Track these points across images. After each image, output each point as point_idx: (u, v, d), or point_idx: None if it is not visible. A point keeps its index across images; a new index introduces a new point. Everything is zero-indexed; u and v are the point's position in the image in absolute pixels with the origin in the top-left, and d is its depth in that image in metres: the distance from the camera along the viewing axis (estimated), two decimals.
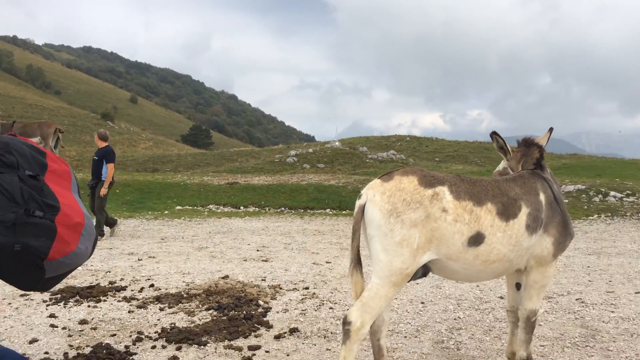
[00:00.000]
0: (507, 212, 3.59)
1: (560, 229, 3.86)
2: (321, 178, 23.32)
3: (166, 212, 16.82)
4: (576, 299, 6.76)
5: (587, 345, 5.04)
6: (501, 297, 6.75)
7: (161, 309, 6.05)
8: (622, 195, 19.97)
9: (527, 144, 4.31)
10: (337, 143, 37.34)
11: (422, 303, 6.47)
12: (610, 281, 7.89)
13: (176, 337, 5.05)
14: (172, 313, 5.92)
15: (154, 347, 4.84)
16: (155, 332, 5.23)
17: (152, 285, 7.15)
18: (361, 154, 33.22)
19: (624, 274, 8.47)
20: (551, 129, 4.55)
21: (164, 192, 19.78)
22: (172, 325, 5.46)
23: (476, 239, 3.47)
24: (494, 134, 4.24)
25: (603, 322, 5.80)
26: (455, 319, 5.87)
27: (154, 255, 9.56)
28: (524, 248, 3.69)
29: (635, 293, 7.11)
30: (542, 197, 3.83)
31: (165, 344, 4.91)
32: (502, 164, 4.47)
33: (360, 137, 46.16)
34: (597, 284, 7.71)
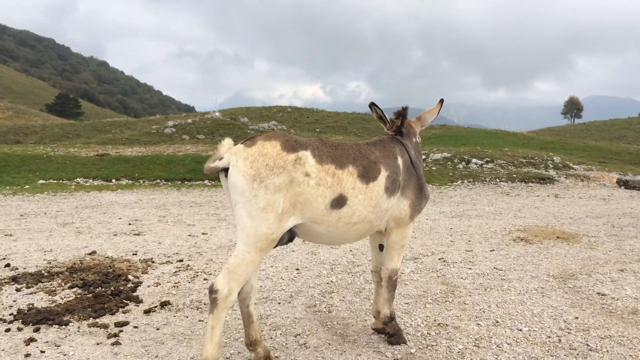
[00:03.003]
0: (367, 175, 3.72)
1: (416, 192, 4.09)
2: (199, 149, 22.77)
3: (27, 186, 15.47)
4: (439, 259, 7.28)
5: (446, 300, 5.46)
6: (371, 261, 7.09)
7: (18, 290, 5.58)
8: (482, 162, 21.80)
9: (397, 115, 4.49)
10: (217, 114, 36.56)
11: (297, 269, 6.61)
12: (469, 241, 8.60)
13: (34, 318, 4.70)
14: (31, 293, 5.49)
15: (8, 330, 4.46)
16: (10, 315, 4.82)
17: (7, 265, 6.56)
18: (242, 125, 32.87)
19: (482, 234, 9.28)
20: (441, 101, 4.67)
21: (24, 165, 18.15)
22: (30, 306, 5.07)
23: (339, 202, 3.57)
24: (372, 105, 4.36)
25: (461, 278, 6.31)
26: (327, 283, 6.07)
27: (10, 232, 8.77)
28: (383, 210, 3.86)
29: (490, 251, 7.82)
30: (400, 160, 4.02)
31: (21, 326, 4.56)
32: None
33: (242, 108, 45.64)
34: (458, 244, 8.36)
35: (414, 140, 4.42)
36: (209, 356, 3.39)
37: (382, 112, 4.41)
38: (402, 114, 4.45)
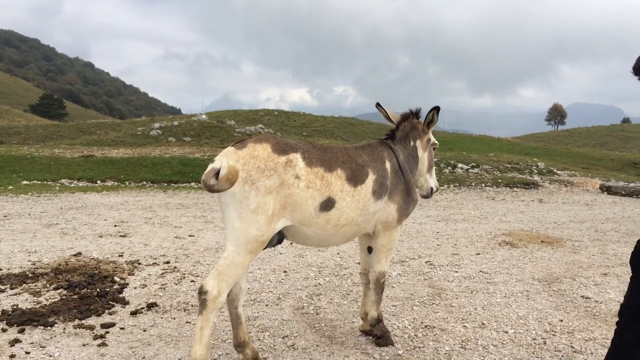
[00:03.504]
0: (355, 178, 3.76)
1: (404, 196, 4.12)
2: (186, 151, 22.65)
3: (10, 187, 15.27)
4: (426, 262, 7.33)
5: (433, 303, 5.50)
6: (359, 263, 7.11)
7: (2, 291, 5.51)
8: (468, 167, 21.97)
9: (401, 117, 4.53)
10: (204, 116, 36.38)
11: (285, 272, 6.60)
12: (455, 244, 8.67)
13: (19, 319, 4.64)
14: (15, 294, 5.43)
15: None
16: None
17: None
18: (229, 128, 32.74)
19: (468, 237, 9.35)
20: (435, 108, 4.34)
21: (7, 166, 17.92)
22: (15, 307, 5.01)
23: (327, 204, 3.59)
24: (378, 105, 4.49)
25: (448, 281, 6.36)
26: (315, 285, 6.08)
27: None
28: (371, 212, 3.89)
29: (476, 254, 7.88)
30: (387, 165, 4.05)
31: (5, 327, 4.50)
32: None
33: (229, 111, 45.50)
34: (444, 247, 8.42)
35: (410, 144, 4.39)
36: (197, 357, 3.38)
37: (386, 112, 4.47)
38: (404, 116, 4.47)
